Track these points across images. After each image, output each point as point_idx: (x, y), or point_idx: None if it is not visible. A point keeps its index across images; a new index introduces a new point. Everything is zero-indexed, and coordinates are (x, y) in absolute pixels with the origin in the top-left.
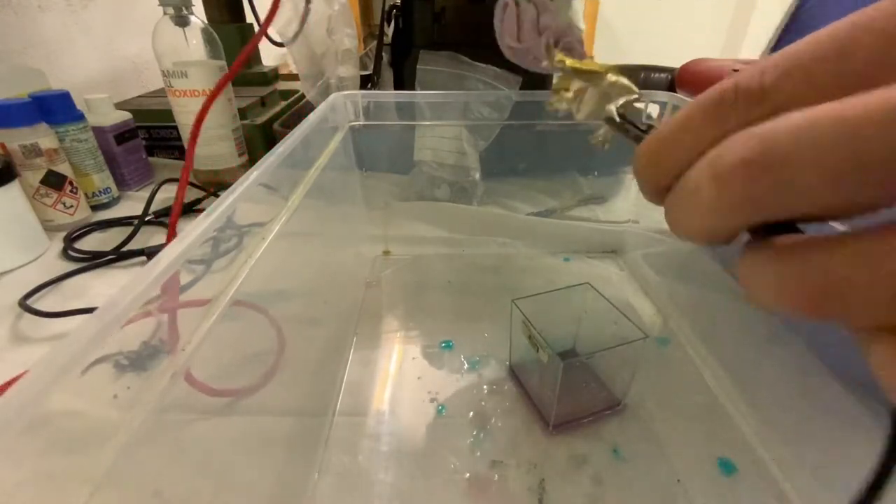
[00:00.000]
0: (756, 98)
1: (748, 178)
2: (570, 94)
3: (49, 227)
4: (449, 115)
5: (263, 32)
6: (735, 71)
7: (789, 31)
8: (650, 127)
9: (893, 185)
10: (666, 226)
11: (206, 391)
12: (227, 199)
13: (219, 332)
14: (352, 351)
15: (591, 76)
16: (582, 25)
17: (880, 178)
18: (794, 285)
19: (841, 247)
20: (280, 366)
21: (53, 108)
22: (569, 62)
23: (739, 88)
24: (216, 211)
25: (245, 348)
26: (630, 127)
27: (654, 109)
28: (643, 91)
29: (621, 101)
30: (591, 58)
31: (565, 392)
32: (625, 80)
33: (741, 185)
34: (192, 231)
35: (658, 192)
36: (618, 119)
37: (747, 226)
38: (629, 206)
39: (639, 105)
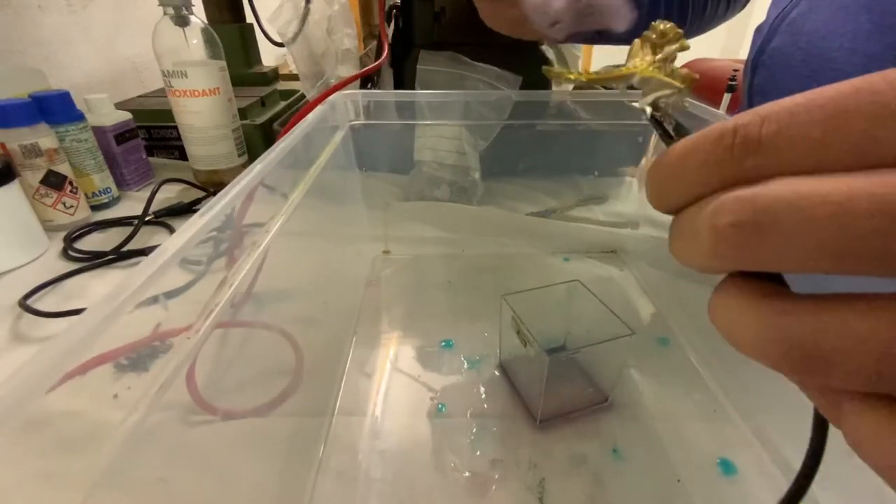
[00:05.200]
0: (752, 147)
1: (740, 239)
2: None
3: (49, 227)
4: (449, 114)
5: None
6: (735, 71)
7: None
8: (680, 127)
9: (885, 269)
10: (666, 227)
11: (217, 413)
12: (226, 196)
13: (214, 336)
14: (351, 350)
15: (618, 80)
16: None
17: (870, 263)
18: (774, 342)
19: (830, 311)
20: (294, 382)
21: (53, 108)
22: (586, 78)
23: (738, 132)
24: (215, 207)
25: (244, 353)
26: (659, 126)
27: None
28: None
29: (651, 96)
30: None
31: (552, 387)
32: (659, 76)
33: (734, 244)
34: (191, 226)
35: (662, 211)
36: (648, 115)
37: (740, 271)
38: (629, 206)
39: (676, 99)
